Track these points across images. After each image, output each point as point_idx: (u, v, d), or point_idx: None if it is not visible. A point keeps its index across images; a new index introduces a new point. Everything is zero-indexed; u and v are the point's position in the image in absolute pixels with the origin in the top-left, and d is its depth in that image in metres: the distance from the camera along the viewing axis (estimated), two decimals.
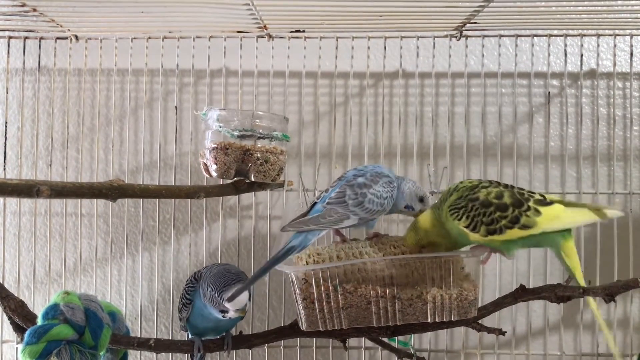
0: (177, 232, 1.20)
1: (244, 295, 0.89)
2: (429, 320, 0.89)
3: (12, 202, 1.19)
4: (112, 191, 0.86)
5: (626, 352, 1.16)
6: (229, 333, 1.00)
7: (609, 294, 0.93)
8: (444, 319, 0.89)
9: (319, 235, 0.92)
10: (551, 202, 0.87)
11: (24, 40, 1.16)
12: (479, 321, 0.97)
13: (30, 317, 0.90)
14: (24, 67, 1.17)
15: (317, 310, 0.88)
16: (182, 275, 1.19)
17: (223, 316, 0.91)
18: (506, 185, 0.89)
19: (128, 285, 1.20)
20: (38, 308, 0.92)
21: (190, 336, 1.02)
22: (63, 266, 1.17)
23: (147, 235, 1.20)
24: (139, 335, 1.13)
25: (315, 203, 0.94)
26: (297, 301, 0.89)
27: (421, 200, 0.95)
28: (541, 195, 0.88)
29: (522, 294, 0.97)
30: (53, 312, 0.87)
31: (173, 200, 1.17)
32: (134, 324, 1.17)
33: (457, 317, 0.90)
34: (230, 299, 0.88)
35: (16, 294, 0.94)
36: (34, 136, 1.19)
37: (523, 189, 0.88)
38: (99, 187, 0.86)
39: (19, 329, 0.92)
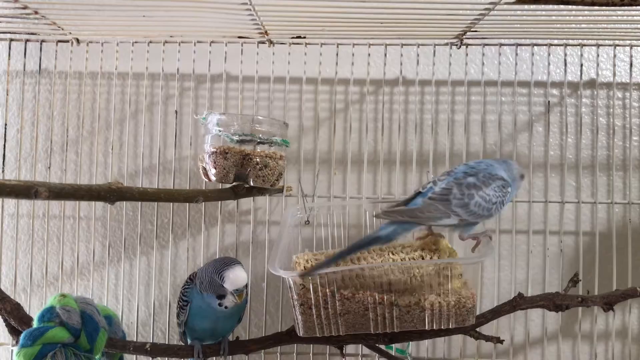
0: (175, 236, 1.20)
1: (242, 276, 0.90)
2: (426, 328, 0.89)
3: (10, 204, 1.18)
4: (110, 193, 0.86)
5: None
6: (225, 338, 0.99)
7: (608, 302, 0.93)
8: (442, 327, 0.89)
9: (410, 230, 0.87)
10: None
11: (25, 42, 1.16)
12: (477, 329, 0.97)
13: (26, 320, 0.90)
14: (24, 70, 1.18)
15: (315, 316, 0.88)
16: (180, 280, 1.18)
17: (220, 304, 0.91)
18: None
19: (125, 289, 1.19)
20: (34, 311, 0.92)
21: (189, 342, 1.01)
22: (60, 269, 1.17)
23: (145, 240, 1.19)
24: (135, 340, 1.12)
25: (418, 193, 0.91)
26: (294, 307, 0.89)
27: (522, 177, 0.94)
28: None
29: (520, 302, 0.97)
30: (49, 314, 0.86)
31: (171, 204, 1.17)
32: (130, 328, 1.16)
33: (455, 324, 0.89)
34: (229, 278, 0.89)
35: (12, 297, 0.93)
36: (33, 139, 1.19)
37: None
38: (98, 189, 0.85)
39: (14, 332, 0.91)
